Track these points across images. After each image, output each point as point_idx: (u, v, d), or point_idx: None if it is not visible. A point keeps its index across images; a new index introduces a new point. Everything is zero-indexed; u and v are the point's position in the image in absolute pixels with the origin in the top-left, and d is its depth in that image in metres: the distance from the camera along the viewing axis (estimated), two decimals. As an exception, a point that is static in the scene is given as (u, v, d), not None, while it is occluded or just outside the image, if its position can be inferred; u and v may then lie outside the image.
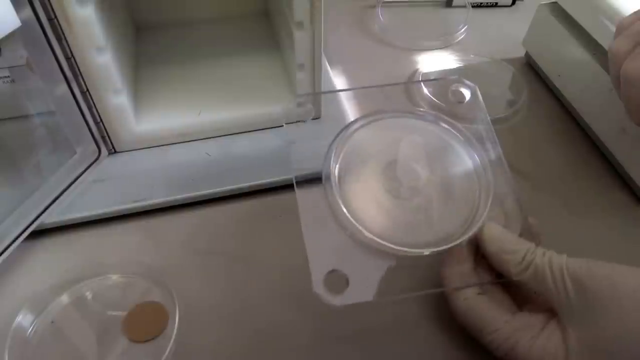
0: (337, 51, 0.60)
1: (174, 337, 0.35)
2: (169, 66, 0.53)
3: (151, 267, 0.39)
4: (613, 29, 0.39)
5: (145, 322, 0.36)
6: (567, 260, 0.30)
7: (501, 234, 0.33)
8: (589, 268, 0.29)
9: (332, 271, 0.32)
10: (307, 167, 0.35)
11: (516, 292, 0.34)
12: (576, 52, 0.49)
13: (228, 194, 0.44)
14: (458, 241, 0.34)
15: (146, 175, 0.44)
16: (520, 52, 0.59)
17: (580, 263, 0.30)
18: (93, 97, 0.41)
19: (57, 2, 0.35)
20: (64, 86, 0.39)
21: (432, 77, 0.57)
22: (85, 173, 0.43)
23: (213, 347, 0.36)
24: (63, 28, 0.37)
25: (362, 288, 0.31)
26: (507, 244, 0.32)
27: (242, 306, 0.38)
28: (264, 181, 0.44)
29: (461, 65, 0.59)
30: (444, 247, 0.33)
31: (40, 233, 0.41)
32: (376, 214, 0.35)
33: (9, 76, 0.45)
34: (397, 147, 0.38)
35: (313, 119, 0.48)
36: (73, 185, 0.42)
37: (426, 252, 0.33)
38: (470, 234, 0.34)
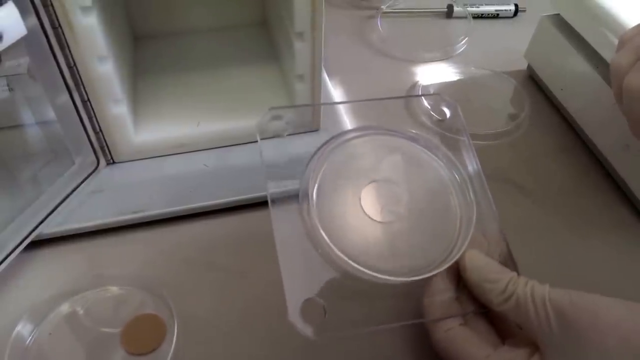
0: (337, 62, 0.59)
1: (172, 350, 0.35)
2: (168, 76, 0.52)
3: (149, 279, 0.38)
4: (616, 41, 0.39)
5: (143, 335, 0.36)
6: (549, 291, 0.29)
7: (483, 262, 0.32)
8: (571, 299, 0.28)
9: (309, 299, 0.30)
10: (287, 185, 0.34)
11: (499, 323, 0.33)
12: (579, 64, 0.49)
13: (226, 206, 0.43)
14: (439, 269, 0.32)
15: (144, 186, 0.44)
16: (523, 65, 0.59)
17: (562, 294, 0.29)
18: (93, 107, 0.41)
19: (61, 10, 0.35)
20: (65, 95, 0.39)
21: (431, 90, 0.57)
22: (84, 183, 0.43)
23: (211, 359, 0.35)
24: (66, 36, 0.37)
25: (339, 318, 0.30)
26: (489, 273, 0.31)
27: (240, 319, 0.37)
28: (262, 193, 0.43)
29: (462, 77, 0.59)
30: (425, 275, 0.32)
31: (38, 243, 0.40)
32: (355, 239, 0.34)
33: (8, 85, 0.45)
34: (378, 167, 0.37)
35: (312, 131, 0.47)
36: (71, 196, 0.42)
37: (406, 280, 0.32)
38: (451, 262, 0.33)
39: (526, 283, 0.30)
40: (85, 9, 0.36)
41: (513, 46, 0.60)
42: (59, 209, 0.41)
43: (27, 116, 0.45)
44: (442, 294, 0.32)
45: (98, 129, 0.42)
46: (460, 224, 0.35)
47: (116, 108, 0.42)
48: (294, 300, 0.30)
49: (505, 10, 0.67)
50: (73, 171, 0.42)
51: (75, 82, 0.39)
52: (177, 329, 0.36)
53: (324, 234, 0.32)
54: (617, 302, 0.28)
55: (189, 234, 0.42)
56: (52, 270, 0.40)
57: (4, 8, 0.31)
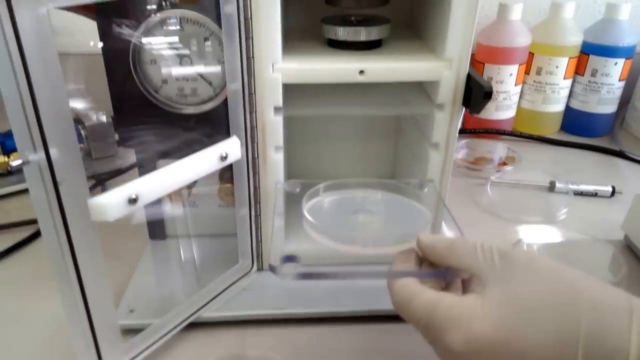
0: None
1: None
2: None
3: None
4: None
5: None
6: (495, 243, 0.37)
7: (434, 235, 0.40)
8: (512, 249, 0.36)
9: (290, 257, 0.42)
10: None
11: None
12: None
13: (352, 315, 0.51)
14: (403, 246, 0.42)
15: (285, 290, 0.53)
16: (620, 235, 0.64)
17: (506, 246, 0.36)
18: (261, 221, 0.52)
19: (262, 146, 0.49)
20: (246, 209, 0.51)
21: (535, 247, 0.63)
22: (239, 281, 0.53)
23: None
24: (259, 166, 0.50)
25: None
26: (441, 237, 0.39)
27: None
28: (385, 308, 0.50)
29: (562, 240, 0.65)
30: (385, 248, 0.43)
31: (196, 325, 0.50)
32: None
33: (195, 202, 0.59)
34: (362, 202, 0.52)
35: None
36: (228, 290, 0.52)
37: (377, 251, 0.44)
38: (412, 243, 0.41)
39: (476, 240, 0.37)
40: (277, 148, 0.50)
41: (610, 219, 0.66)
42: (217, 298, 0.51)
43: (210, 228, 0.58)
44: (407, 263, 0.39)
45: (260, 239, 0.53)
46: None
47: (278, 221, 0.53)
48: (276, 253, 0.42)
49: (603, 190, 0.75)
50: (234, 269, 0.53)
51: (255, 199, 0.51)
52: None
53: (308, 216, 0.47)
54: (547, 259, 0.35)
55: (318, 335, 0.50)
56: (204, 348, 0.48)
57: (232, 139, 0.45)
